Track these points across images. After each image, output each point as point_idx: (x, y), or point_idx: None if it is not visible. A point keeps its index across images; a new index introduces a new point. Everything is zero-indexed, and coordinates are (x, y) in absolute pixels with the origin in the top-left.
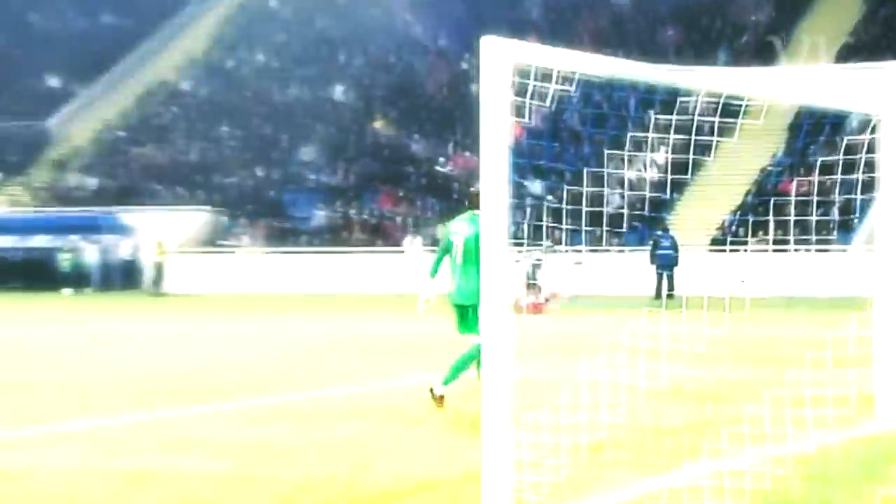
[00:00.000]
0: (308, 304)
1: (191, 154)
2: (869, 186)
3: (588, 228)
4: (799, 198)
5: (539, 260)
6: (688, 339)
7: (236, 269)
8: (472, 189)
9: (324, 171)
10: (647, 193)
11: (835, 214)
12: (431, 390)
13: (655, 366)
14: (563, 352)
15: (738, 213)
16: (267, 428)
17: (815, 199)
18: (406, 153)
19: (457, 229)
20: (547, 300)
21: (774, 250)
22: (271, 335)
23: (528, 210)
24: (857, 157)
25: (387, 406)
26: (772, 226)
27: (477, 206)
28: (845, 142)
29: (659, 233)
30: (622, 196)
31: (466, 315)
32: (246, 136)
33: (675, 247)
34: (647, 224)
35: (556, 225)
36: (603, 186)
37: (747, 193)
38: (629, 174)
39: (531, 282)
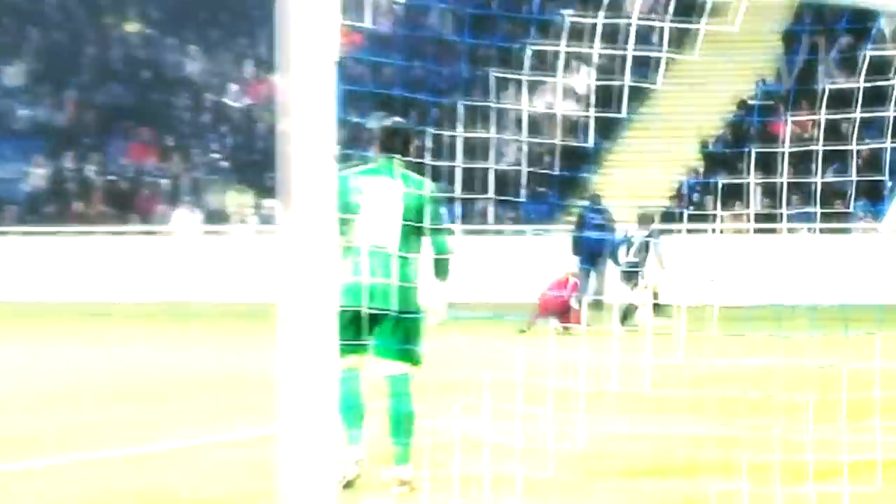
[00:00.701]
0: (16, 318)
1: None
2: None
3: (465, 195)
4: (797, 147)
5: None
6: (624, 375)
7: None
8: (385, 125)
9: (40, 104)
10: (560, 140)
11: (853, 173)
12: (398, 481)
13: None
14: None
15: (703, 172)
16: None
17: (822, 148)
18: (177, 76)
19: (368, 188)
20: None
21: (758, 231)
22: None
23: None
24: (891, 81)
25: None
26: (754, 191)
27: (399, 151)
28: (869, 57)
29: (585, 204)
30: (519, 146)
31: (381, 328)
32: None
33: (609, 226)
34: (560, 189)
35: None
36: (488, 129)
37: (716, 141)
38: (531, 109)
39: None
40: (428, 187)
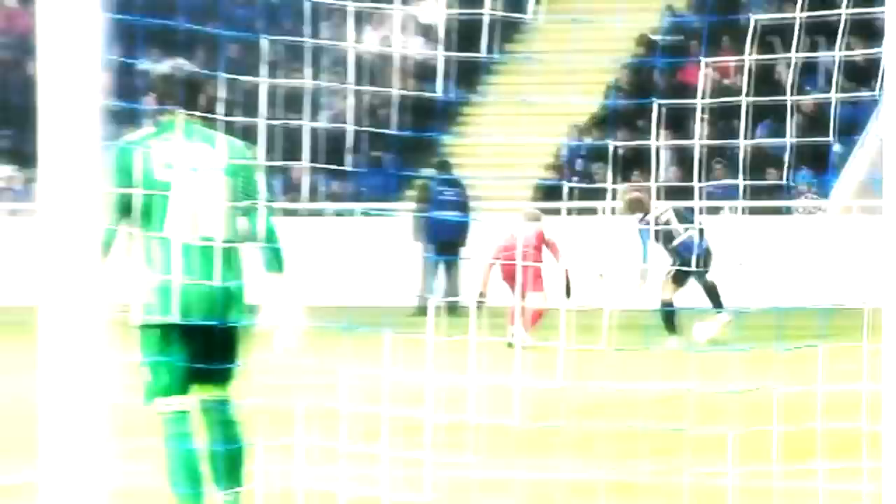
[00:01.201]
0: None
1: None
2: (864, 73)
3: (269, 163)
4: (717, 101)
5: None
6: (490, 401)
7: None
8: (164, 70)
9: None
10: (400, 89)
11: (791, 134)
12: None
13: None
14: None
15: (591, 130)
16: None
17: (750, 100)
18: None
19: (177, 158)
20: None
21: (680, 214)
22: None
23: None
24: (837, 11)
25: None
26: (656, 156)
27: (187, 104)
28: None
29: (431, 173)
30: (345, 95)
31: (202, 345)
32: None
33: (463, 203)
34: (402, 155)
35: None
36: (302, 73)
37: (609, 90)
38: (361, 47)
39: None
40: (248, 153)
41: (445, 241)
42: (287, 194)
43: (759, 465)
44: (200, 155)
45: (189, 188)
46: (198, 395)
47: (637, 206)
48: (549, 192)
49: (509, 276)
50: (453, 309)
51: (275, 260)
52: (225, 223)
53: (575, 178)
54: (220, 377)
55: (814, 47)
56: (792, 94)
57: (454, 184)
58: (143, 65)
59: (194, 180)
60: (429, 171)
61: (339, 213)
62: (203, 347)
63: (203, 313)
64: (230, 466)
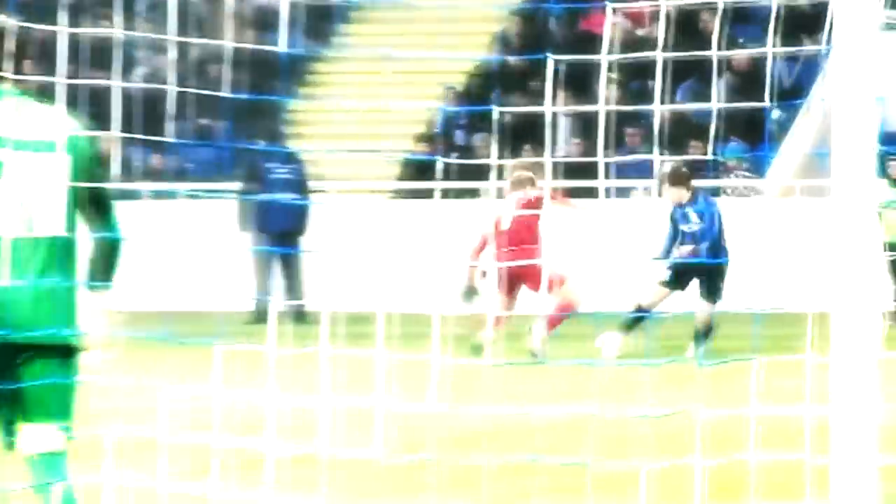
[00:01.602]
0: None
1: None
2: (808, 23)
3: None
4: (628, 56)
5: None
6: None
7: None
8: None
9: None
10: (232, 42)
11: (717, 98)
12: None
13: None
14: None
15: (471, 93)
16: None
17: (667, 55)
18: None
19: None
20: None
21: (568, 192)
22: None
23: None
24: None
25: None
26: (552, 125)
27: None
28: None
29: (262, 149)
30: (163, 47)
31: (32, 369)
32: None
33: (300, 183)
34: (237, 123)
35: None
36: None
37: (494, 42)
38: None
39: None
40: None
41: (280, 231)
42: None
43: None
44: (32, 129)
45: (17, 175)
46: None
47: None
48: (420, 170)
49: (516, 276)
50: (299, 315)
51: (109, 270)
52: (66, 219)
53: (453, 154)
54: (53, 412)
55: None
56: (720, 49)
57: (290, 159)
58: None
59: (25, 161)
60: (258, 146)
61: (157, 195)
62: (32, 369)
63: (32, 328)
64: None
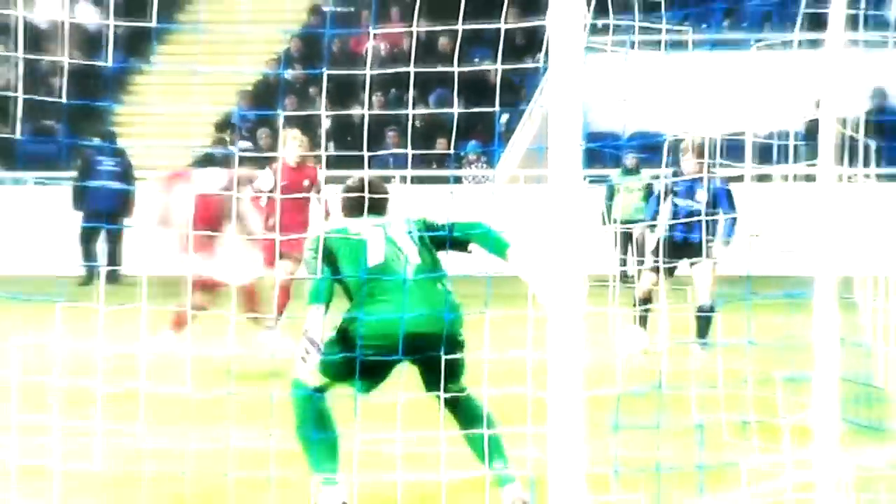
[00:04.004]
0: None
1: None
2: (529, 45)
3: None
4: (385, 71)
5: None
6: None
7: None
8: None
9: None
10: (68, 58)
11: (456, 104)
12: None
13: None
14: None
15: (260, 100)
16: None
17: (419, 70)
18: None
19: None
20: None
21: (329, 180)
22: None
23: None
24: None
25: None
26: (327, 126)
27: None
28: None
29: (92, 143)
30: (15, 63)
31: None
32: None
33: (124, 173)
34: (72, 124)
35: None
36: None
37: (280, 60)
38: (26, 15)
39: None
40: None
41: (104, 211)
42: None
43: (426, 430)
44: None
45: None
46: None
47: None
48: (212, 161)
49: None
50: (116, 277)
51: None
52: None
53: (249, 149)
54: None
55: (481, 16)
56: (460, 65)
57: (115, 153)
58: None
59: None
60: (93, 141)
61: (14, 182)
62: None
63: None
64: None
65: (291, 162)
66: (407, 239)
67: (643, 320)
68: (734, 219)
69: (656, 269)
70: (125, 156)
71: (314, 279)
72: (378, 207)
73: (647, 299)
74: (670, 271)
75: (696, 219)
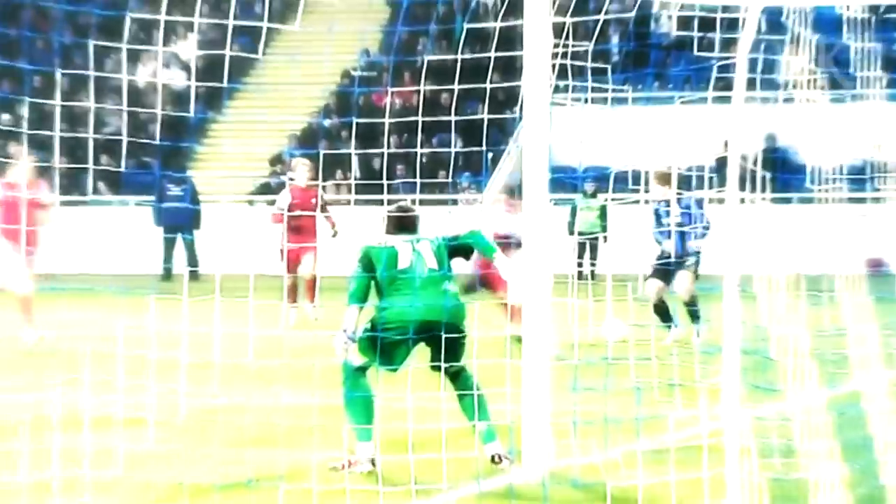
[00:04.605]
0: None
1: None
2: (508, 101)
3: (64, 165)
4: (400, 119)
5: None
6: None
7: None
8: None
9: None
10: (161, 110)
11: (454, 145)
12: None
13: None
14: None
15: (305, 141)
16: None
17: (424, 119)
18: None
19: None
20: None
21: (359, 201)
22: None
23: None
24: (488, 54)
25: None
26: (355, 161)
27: None
28: (467, 31)
29: (168, 174)
30: (121, 115)
31: None
32: None
33: (192, 196)
34: (164, 160)
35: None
36: (90, 99)
37: (320, 112)
38: (131, 78)
39: None
40: None
41: (178, 226)
42: (79, 190)
43: (430, 392)
44: None
45: None
46: None
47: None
48: (268, 188)
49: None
50: (194, 275)
51: None
52: None
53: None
54: None
55: (472, 79)
56: (456, 115)
57: (181, 181)
58: None
59: None
60: (172, 172)
61: (119, 203)
62: None
63: None
64: None
65: (302, 183)
66: (428, 250)
67: (665, 314)
68: (707, 224)
69: (660, 275)
70: (190, 183)
71: (355, 284)
72: (411, 225)
73: (661, 300)
74: (668, 274)
75: (681, 229)
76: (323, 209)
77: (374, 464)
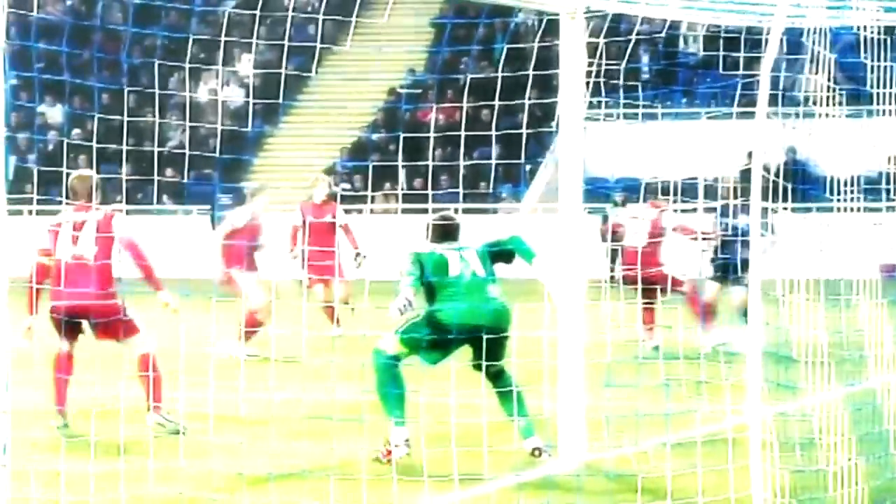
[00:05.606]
0: None
1: None
2: (545, 116)
3: (131, 177)
4: (444, 133)
5: None
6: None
7: None
8: None
9: None
10: (220, 125)
11: (494, 158)
12: None
13: None
14: None
15: (355, 154)
16: None
17: (466, 134)
18: None
19: None
20: None
21: (406, 210)
22: None
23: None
24: (526, 73)
25: None
26: (402, 174)
27: None
28: (507, 50)
29: (223, 185)
30: (183, 129)
31: None
32: None
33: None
34: (223, 172)
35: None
36: (154, 114)
37: (369, 127)
38: (193, 95)
39: None
40: None
41: None
42: (147, 200)
43: (471, 390)
44: None
45: None
46: None
47: None
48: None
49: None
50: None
51: None
52: None
53: (343, 186)
54: None
55: (511, 96)
56: (496, 130)
57: (237, 194)
58: None
59: None
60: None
61: (186, 213)
62: None
63: None
64: None
65: (318, 200)
66: (474, 257)
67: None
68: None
69: (719, 279)
70: (244, 195)
71: (410, 278)
72: (454, 233)
73: (713, 304)
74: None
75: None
76: (345, 228)
77: (408, 444)
